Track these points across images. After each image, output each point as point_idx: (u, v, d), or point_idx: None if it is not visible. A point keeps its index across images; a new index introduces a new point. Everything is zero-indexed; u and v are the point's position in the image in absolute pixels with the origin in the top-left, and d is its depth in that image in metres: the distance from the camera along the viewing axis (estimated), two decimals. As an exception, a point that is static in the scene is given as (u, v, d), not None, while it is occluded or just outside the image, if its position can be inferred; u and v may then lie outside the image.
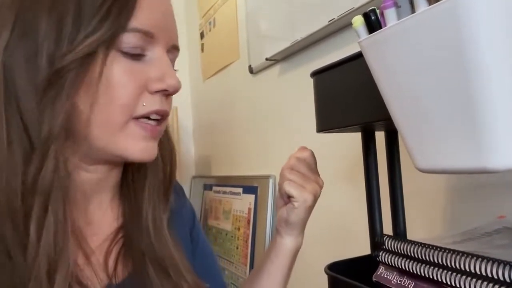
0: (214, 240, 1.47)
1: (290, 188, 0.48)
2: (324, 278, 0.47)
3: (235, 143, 1.42)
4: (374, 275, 0.47)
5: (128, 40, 0.35)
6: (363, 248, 0.53)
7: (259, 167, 1.27)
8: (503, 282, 0.32)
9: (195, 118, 1.81)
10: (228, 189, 1.45)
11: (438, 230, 0.65)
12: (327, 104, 0.47)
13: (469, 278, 0.35)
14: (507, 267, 0.32)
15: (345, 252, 0.54)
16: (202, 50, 1.67)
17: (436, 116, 0.23)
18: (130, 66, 0.36)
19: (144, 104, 0.37)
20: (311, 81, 0.50)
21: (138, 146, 0.38)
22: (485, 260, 0.34)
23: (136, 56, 0.37)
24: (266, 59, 1.09)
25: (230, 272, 1.34)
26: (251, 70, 1.25)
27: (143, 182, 0.45)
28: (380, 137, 0.54)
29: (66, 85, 0.33)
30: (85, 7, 0.33)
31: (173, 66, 0.41)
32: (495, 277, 0.32)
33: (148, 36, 0.36)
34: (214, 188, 1.56)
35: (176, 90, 0.39)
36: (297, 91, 1.04)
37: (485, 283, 0.33)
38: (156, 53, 0.38)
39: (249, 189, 1.30)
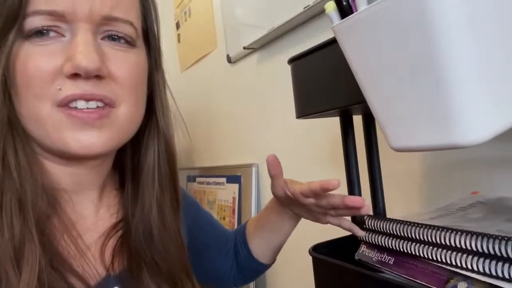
0: (200, 231, 1.48)
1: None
2: (309, 259, 0.49)
3: (217, 133, 1.42)
4: (356, 254, 0.49)
5: (31, 25, 0.33)
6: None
7: (241, 156, 1.28)
8: (476, 252, 0.34)
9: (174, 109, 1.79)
10: (211, 179, 1.45)
11: (416, 208, 0.67)
12: (305, 90, 0.47)
13: (444, 251, 0.36)
14: (479, 238, 0.33)
15: (329, 233, 0.55)
16: (179, 40, 1.64)
17: (407, 96, 0.24)
18: (40, 51, 0.34)
19: (59, 88, 0.34)
20: (289, 68, 0.51)
21: (72, 137, 0.35)
22: (459, 233, 0.36)
23: (48, 39, 0.34)
24: (244, 47, 1.09)
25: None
26: (229, 60, 1.24)
27: (142, 180, 0.43)
28: (358, 120, 0.55)
29: None
30: None
31: (118, 38, 0.37)
32: (469, 248, 0.34)
33: (55, 15, 0.34)
34: (198, 179, 1.56)
35: (86, 71, 0.34)
36: (276, 78, 1.04)
37: (460, 254, 0.35)
38: (75, 32, 0.35)
39: (233, 179, 1.31)
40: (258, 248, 0.61)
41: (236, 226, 1.26)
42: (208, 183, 1.47)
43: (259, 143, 1.18)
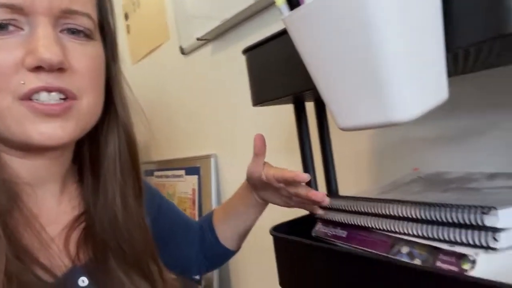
0: (161, 225, 1.47)
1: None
2: (270, 239, 0.52)
3: (173, 126, 1.42)
4: (313, 231, 0.52)
5: None
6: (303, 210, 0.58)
7: (199, 147, 1.29)
8: (416, 219, 0.38)
9: (128, 103, 1.75)
10: (170, 172, 1.44)
11: (366, 185, 0.73)
12: (260, 79, 0.50)
13: (389, 220, 0.41)
14: (418, 207, 0.38)
15: (288, 214, 0.58)
16: (128, 32, 1.60)
17: (350, 81, 0.27)
18: (3, 44, 0.34)
19: (23, 82, 0.35)
20: (243, 58, 0.53)
21: (35, 129, 0.36)
22: (400, 204, 0.40)
23: (7, 33, 0.34)
24: (197, 39, 1.09)
25: (180, 253, 1.35)
26: (182, 51, 1.24)
27: (101, 170, 0.44)
28: (310, 107, 0.58)
29: None
30: None
31: (77, 32, 0.38)
32: (409, 216, 0.38)
33: (14, 9, 0.34)
34: (156, 173, 1.54)
35: (50, 65, 0.35)
36: (231, 69, 1.06)
37: (402, 222, 0.39)
38: (35, 26, 0.35)
39: (192, 170, 1.31)
40: (225, 234, 0.63)
41: (197, 218, 1.27)
42: (167, 176, 1.46)
43: (216, 134, 1.19)
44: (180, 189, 1.37)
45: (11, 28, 0.34)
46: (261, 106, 0.52)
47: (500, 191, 0.42)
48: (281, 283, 0.50)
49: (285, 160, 0.92)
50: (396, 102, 0.25)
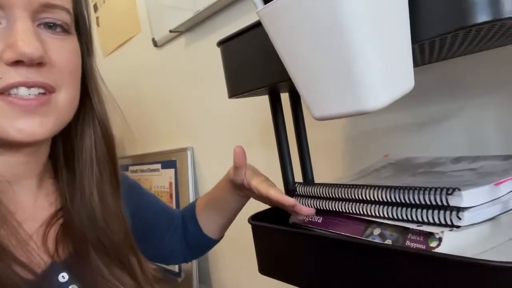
0: (138, 219, 1.46)
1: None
2: (248, 228, 0.53)
3: (147, 119, 1.40)
4: (290, 218, 0.54)
5: None
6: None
7: (175, 140, 1.28)
8: (386, 202, 0.40)
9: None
10: (145, 166, 1.43)
11: (340, 173, 0.75)
12: (235, 71, 0.50)
13: (361, 204, 0.43)
14: (387, 190, 0.40)
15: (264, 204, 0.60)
16: (98, 24, 1.56)
17: (323, 73, 0.28)
18: None
19: (0, 76, 0.34)
20: (218, 51, 0.53)
21: (15, 125, 0.35)
22: (371, 188, 0.42)
23: None
24: (170, 31, 1.08)
25: (158, 247, 1.35)
26: (155, 43, 1.22)
27: (77, 165, 0.43)
28: (285, 98, 0.60)
29: None
30: None
31: (53, 26, 0.38)
32: (380, 199, 0.40)
33: None
34: (131, 168, 1.52)
35: (30, 58, 0.34)
36: (206, 61, 1.05)
37: (373, 205, 0.41)
38: (13, 19, 0.34)
39: (168, 164, 1.31)
40: (208, 224, 0.64)
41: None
42: (142, 171, 1.44)
43: (192, 127, 1.19)
44: (157, 183, 1.36)
45: None
46: (237, 98, 0.53)
47: (464, 174, 0.45)
48: (261, 271, 0.52)
49: (260, 151, 0.93)
50: (366, 92, 0.27)
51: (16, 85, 0.35)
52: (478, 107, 0.56)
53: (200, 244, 0.66)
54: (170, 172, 1.30)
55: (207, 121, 1.11)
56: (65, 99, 0.39)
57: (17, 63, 0.34)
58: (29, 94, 0.36)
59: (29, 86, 0.35)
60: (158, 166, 1.35)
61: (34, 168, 0.42)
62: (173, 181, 1.28)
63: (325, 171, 0.75)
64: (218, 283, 1.17)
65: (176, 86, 1.21)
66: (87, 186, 0.43)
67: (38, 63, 0.36)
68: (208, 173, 1.17)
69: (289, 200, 0.48)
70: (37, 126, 0.36)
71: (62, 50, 0.38)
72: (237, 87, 0.50)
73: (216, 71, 1.04)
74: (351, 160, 0.74)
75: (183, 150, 1.22)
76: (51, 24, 0.38)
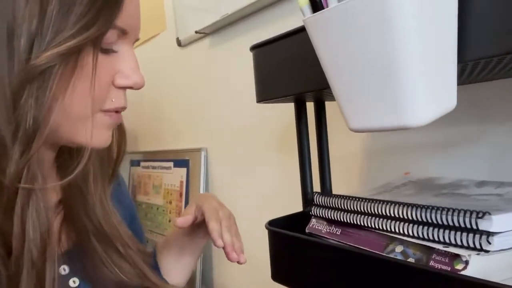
0: (145, 215, 1.46)
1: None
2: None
3: (164, 117, 1.41)
4: (307, 228, 0.54)
5: (108, 36, 0.35)
6: (297, 207, 0.59)
7: (190, 140, 1.29)
8: (410, 220, 0.40)
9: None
10: (157, 163, 1.44)
11: (356, 188, 0.75)
12: (265, 76, 0.51)
13: (384, 220, 0.42)
14: (413, 209, 0.39)
15: (282, 212, 0.59)
16: (124, 19, 1.58)
17: (366, 85, 0.28)
18: (103, 60, 0.36)
19: (113, 100, 0.38)
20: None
21: (104, 136, 0.39)
22: (396, 205, 0.42)
23: (108, 50, 0.37)
24: (196, 32, 1.09)
25: (163, 244, 1.35)
26: (179, 43, 1.23)
27: (82, 156, 0.44)
28: (308, 108, 0.60)
29: (49, 78, 0.32)
30: (74, 4, 0.32)
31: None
32: (404, 217, 0.40)
33: (123, 33, 0.37)
34: (142, 163, 1.53)
35: (141, 87, 0.40)
36: (228, 64, 1.06)
37: (397, 222, 0.41)
38: (124, 47, 0.38)
39: (180, 163, 1.31)
40: (167, 267, 0.59)
41: (183, 210, 1.27)
42: (154, 167, 1.45)
43: (208, 128, 1.19)
44: (167, 181, 1.37)
45: (111, 47, 0.37)
46: (264, 103, 0.53)
47: (489, 198, 0.44)
48: (273, 277, 0.52)
49: (275, 159, 0.93)
50: (410, 107, 0.27)
51: (121, 109, 0.39)
52: (504, 133, 0.56)
53: None
54: (182, 171, 1.30)
55: (224, 124, 1.12)
56: None
57: (123, 88, 0.38)
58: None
59: (123, 109, 0.40)
60: (171, 164, 1.36)
61: (48, 157, 0.43)
62: (184, 180, 1.29)
63: (340, 184, 0.75)
64: (221, 286, 1.17)
65: (196, 86, 1.22)
66: (87, 177, 0.45)
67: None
68: (220, 175, 1.17)
69: (233, 257, 0.49)
70: (110, 137, 0.41)
71: None
72: (267, 92, 0.50)
73: (237, 75, 1.05)
74: (368, 175, 0.73)
75: (197, 150, 1.23)
76: None
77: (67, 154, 0.45)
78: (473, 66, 0.31)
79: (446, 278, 0.32)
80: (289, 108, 0.87)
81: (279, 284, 0.51)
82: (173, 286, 0.52)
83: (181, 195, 1.29)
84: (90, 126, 0.37)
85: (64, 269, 0.40)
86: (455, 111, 0.60)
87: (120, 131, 0.47)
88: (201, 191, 1.21)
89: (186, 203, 1.26)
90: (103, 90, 0.37)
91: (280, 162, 0.93)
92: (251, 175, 1.03)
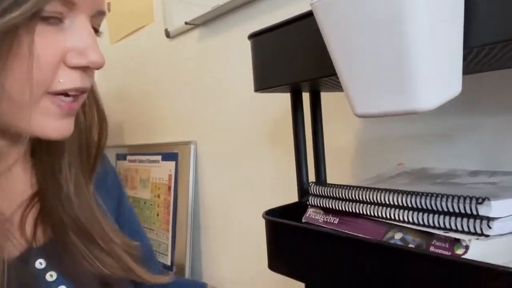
0: (132, 210, 1.44)
1: None
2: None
3: (151, 110, 1.39)
4: (303, 217, 0.54)
5: (49, 8, 0.32)
6: (290, 200, 0.59)
7: (178, 133, 1.27)
8: (408, 207, 0.40)
9: (102, 83, 1.69)
10: (145, 157, 1.41)
11: (349, 178, 0.75)
12: (263, 65, 0.50)
13: (382, 208, 0.43)
14: (411, 196, 0.40)
15: (274, 205, 0.59)
16: (109, 9, 1.54)
17: (374, 68, 0.28)
18: (48, 36, 0.33)
19: (61, 80, 0.34)
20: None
21: (53, 125, 0.35)
22: (394, 192, 0.42)
23: (55, 25, 0.33)
24: (186, 23, 1.07)
25: (151, 239, 1.34)
26: (167, 34, 1.21)
27: (59, 148, 0.43)
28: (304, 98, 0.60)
29: None
30: None
31: (97, 30, 0.38)
32: (403, 204, 0.40)
33: (70, 4, 0.33)
34: (129, 157, 1.50)
35: (99, 67, 0.35)
36: (218, 56, 1.05)
37: (395, 209, 0.41)
38: (77, 21, 0.34)
39: (169, 156, 1.30)
40: None
41: (172, 204, 1.26)
42: (141, 161, 1.43)
43: (197, 121, 1.18)
44: (155, 174, 1.35)
45: (58, 20, 0.33)
46: (262, 92, 0.52)
47: (483, 187, 0.45)
48: (271, 267, 0.51)
49: (267, 151, 0.93)
50: (418, 92, 0.27)
51: (70, 90, 0.35)
52: (496, 124, 0.57)
53: None
54: (171, 164, 1.29)
55: (213, 116, 1.11)
56: (84, 98, 0.39)
57: (78, 68, 0.35)
58: (71, 97, 0.36)
59: (79, 91, 0.36)
60: (159, 157, 1.34)
61: (19, 149, 0.41)
62: (173, 173, 1.27)
63: (334, 176, 0.75)
64: (210, 279, 1.17)
65: (185, 78, 1.20)
66: (62, 171, 0.43)
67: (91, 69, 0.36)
68: (210, 169, 1.17)
69: None
70: (69, 126, 0.37)
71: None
72: (265, 81, 0.50)
73: (228, 67, 1.04)
74: (362, 166, 0.74)
75: (186, 144, 1.22)
76: (96, 30, 0.38)
77: (44, 150, 0.43)
78: (476, 54, 0.32)
79: (447, 262, 0.32)
80: (280, 100, 0.87)
81: (267, 276, 0.51)
82: (159, 277, 0.49)
83: (169, 188, 1.28)
84: (36, 112, 0.34)
85: (40, 263, 0.39)
86: (447, 103, 0.61)
87: (101, 121, 0.45)
88: (190, 185, 1.20)
89: (175, 196, 1.25)
90: (47, 70, 0.33)
91: (272, 155, 0.93)
92: (242, 169, 1.03)
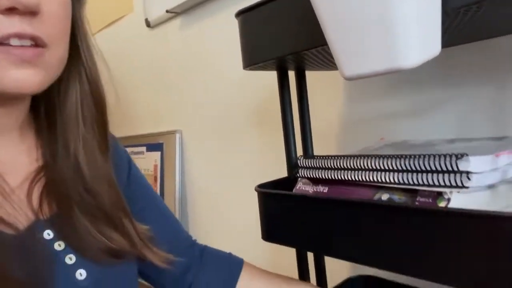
0: (118, 203, 1.43)
1: None
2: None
3: (134, 101, 1.38)
4: (294, 190, 0.56)
5: None
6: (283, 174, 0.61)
7: (163, 123, 1.27)
8: (394, 170, 0.42)
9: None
10: (129, 149, 1.41)
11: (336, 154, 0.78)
12: (251, 42, 0.52)
13: (370, 172, 0.45)
14: (395, 159, 0.42)
15: (269, 178, 0.61)
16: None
17: (360, 29, 0.30)
18: None
19: None
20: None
21: (8, 77, 0.33)
22: (380, 157, 0.44)
23: None
24: (167, 11, 1.07)
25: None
26: (148, 24, 1.21)
27: (63, 114, 0.41)
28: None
29: None
30: None
31: None
32: (389, 167, 0.43)
33: None
34: (112, 150, 1.49)
35: (26, 6, 0.32)
36: (200, 44, 1.05)
37: (382, 173, 0.44)
38: None
39: (154, 147, 1.29)
40: None
41: (158, 193, 1.26)
42: (125, 154, 1.42)
43: (182, 110, 1.18)
44: (140, 165, 1.35)
45: None
46: (250, 69, 0.54)
47: (461, 150, 0.48)
48: (265, 238, 0.53)
49: (253, 135, 0.95)
50: (403, 50, 0.29)
51: (9, 37, 0.32)
52: (470, 95, 0.60)
53: None
54: (156, 155, 1.29)
55: (198, 105, 1.12)
56: (57, 53, 0.37)
57: (10, 11, 0.32)
58: (22, 46, 0.33)
59: (21, 37, 0.33)
60: (143, 149, 1.34)
61: (15, 120, 0.40)
62: (158, 164, 1.27)
63: (320, 153, 0.77)
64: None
65: (167, 68, 1.20)
66: (72, 144, 0.41)
67: (31, 12, 0.33)
68: (196, 157, 1.17)
69: None
70: (31, 77, 0.34)
71: (55, 0, 0.36)
72: (253, 57, 0.51)
73: (210, 54, 1.05)
74: (346, 143, 0.76)
75: (172, 133, 1.22)
76: None
77: (50, 124, 0.43)
78: (452, 17, 0.34)
79: (431, 213, 0.35)
80: (266, 84, 0.88)
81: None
82: (165, 256, 0.48)
83: (155, 179, 1.28)
84: None
85: (48, 234, 0.38)
86: (424, 77, 0.65)
87: (93, 87, 0.43)
88: (177, 174, 1.21)
89: (161, 186, 1.25)
90: None
91: (258, 139, 0.95)
92: (228, 155, 1.04)
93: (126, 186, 0.50)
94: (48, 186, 0.41)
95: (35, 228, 0.38)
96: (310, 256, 0.64)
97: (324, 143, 0.79)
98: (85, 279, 0.37)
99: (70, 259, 0.38)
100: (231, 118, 1.01)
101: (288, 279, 0.54)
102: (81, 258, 0.38)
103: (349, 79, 0.33)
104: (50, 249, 0.37)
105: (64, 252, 0.38)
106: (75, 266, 0.38)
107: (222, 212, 1.09)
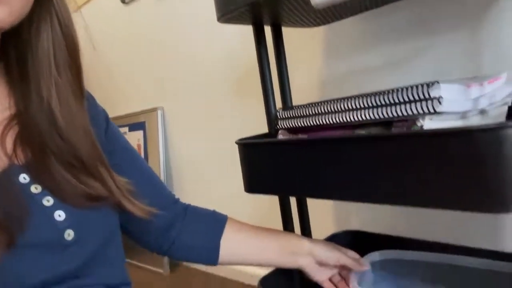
0: (103, 186, 1.42)
1: None
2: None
3: (111, 81, 1.36)
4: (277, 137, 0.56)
5: None
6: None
7: (144, 101, 1.26)
8: (372, 106, 0.43)
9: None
10: (111, 131, 1.39)
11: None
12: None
13: (350, 112, 0.45)
14: (373, 97, 0.43)
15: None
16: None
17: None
18: None
19: None
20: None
21: None
22: (358, 97, 0.45)
23: None
24: (141, -17, 1.05)
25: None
26: (123, 0, 1.18)
27: (35, 60, 0.40)
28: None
29: None
30: None
31: None
32: (367, 105, 0.43)
33: None
34: (94, 134, 1.47)
35: None
36: (176, 17, 1.04)
37: (363, 111, 0.44)
38: None
39: (136, 126, 1.28)
40: (234, 253, 0.53)
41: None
42: (108, 136, 1.40)
43: (162, 86, 1.17)
44: (124, 147, 1.33)
45: None
46: (224, 22, 0.54)
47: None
48: (248, 190, 0.54)
49: (235, 107, 0.95)
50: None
51: None
52: (446, 43, 0.61)
53: (190, 254, 0.54)
54: (138, 134, 1.27)
55: (178, 80, 1.11)
56: None
57: None
58: None
59: None
60: (125, 129, 1.32)
61: None
62: (142, 143, 1.26)
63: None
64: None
65: (144, 44, 1.18)
66: (44, 90, 0.40)
67: None
68: (180, 133, 1.17)
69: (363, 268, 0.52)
70: None
71: None
72: (225, 6, 0.51)
73: (186, 28, 1.03)
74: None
75: (153, 111, 1.21)
76: None
77: (21, 71, 0.41)
78: None
79: (406, 136, 0.36)
80: (242, 56, 0.88)
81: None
82: (147, 209, 0.47)
83: (140, 158, 1.27)
84: None
85: (24, 178, 0.37)
86: (403, 28, 0.65)
87: (65, 31, 0.40)
88: (161, 152, 1.20)
89: (146, 165, 1.24)
90: None
91: (239, 108, 0.95)
92: (211, 128, 1.04)
93: (104, 142, 0.49)
94: (22, 133, 0.39)
95: (9, 171, 0.37)
96: (295, 217, 0.65)
97: (304, 100, 0.79)
98: (64, 220, 0.37)
99: (48, 201, 0.37)
100: (212, 89, 1.01)
101: (271, 230, 0.54)
102: (59, 201, 0.38)
103: (317, 6, 0.33)
104: (26, 192, 0.36)
105: (41, 194, 0.37)
106: (53, 208, 0.37)
107: (207, 181, 1.09)
